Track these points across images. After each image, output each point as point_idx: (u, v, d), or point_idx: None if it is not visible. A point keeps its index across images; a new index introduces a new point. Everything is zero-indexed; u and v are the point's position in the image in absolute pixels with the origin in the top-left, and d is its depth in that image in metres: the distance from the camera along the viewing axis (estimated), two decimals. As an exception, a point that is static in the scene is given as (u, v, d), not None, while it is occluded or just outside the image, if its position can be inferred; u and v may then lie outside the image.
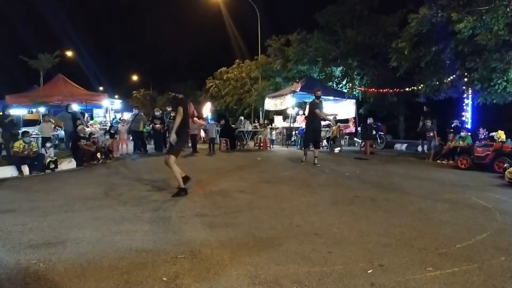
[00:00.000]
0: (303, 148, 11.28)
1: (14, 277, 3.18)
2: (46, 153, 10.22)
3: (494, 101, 13.19)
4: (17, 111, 16.94)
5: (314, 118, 10.43)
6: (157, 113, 15.65)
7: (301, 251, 3.70)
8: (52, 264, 3.45)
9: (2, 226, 4.65)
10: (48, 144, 10.77)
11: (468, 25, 11.81)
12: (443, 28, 13.27)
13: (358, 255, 3.59)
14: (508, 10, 10.90)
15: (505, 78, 12.07)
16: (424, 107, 14.72)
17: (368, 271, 3.21)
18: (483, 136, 11.27)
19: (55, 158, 10.27)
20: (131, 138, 15.09)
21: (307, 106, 10.91)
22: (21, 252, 3.77)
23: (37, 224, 4.76)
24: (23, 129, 13.03)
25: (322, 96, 17.69)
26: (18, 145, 9.59)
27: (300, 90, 16.60)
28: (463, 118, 13.96)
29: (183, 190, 6.52)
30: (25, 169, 9.49)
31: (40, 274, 3.23)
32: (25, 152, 9.57)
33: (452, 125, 13.08)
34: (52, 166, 9.96)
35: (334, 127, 15.61)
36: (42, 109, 16.20)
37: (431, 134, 12.56)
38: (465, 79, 13.65)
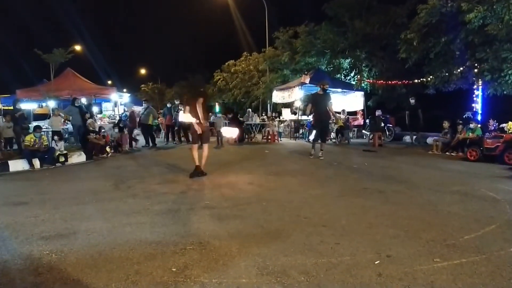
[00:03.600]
0: (311, 141, 11.13)
1: (27, 267, 3.25)
2: (57, 146, 10.34)
3: (505, 92, 13.00)
4: (27, 105, 17.14)
5: (322, 111, 10.28)
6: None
7: (309, 243, 3.73)
8: (64, 255, 3.51)
9: (15, 218, 4.74)
10: (56, 138, 10.88)
11: (478, 15, 11.63)
12: (453, 18, 13.08)
13: (366, 247, 3.60)
14: (519, -1, 10.72)
15: (516, 69, 11.90)
16: (411, 100, 14.66)
17: (376, 262, 3.23)
18: (493, 128, 11.15)
19: (65, 151, 10.39)
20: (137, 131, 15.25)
21: (311, 98, 10.69)
22: (33, 243, 3.84)
23: (49, 216, 4.84)
24: (34, 123, 13.21)
25: (330, 89, 17.76)
26: (29, 139, 9.71)
27: (308, 82, 16.53)
28: (474, 110, 13.81)
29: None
30: (36, 163, 9.61)
31: (52, 264, 3.30)
32: (36, 146, 9.69)
33: (464, 117, 12.98)
34: (62, 159, 10.09)
35: (339, 120, 15.57)
36: (51, 103, 16.37)
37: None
38: (475, 70, 13.47)
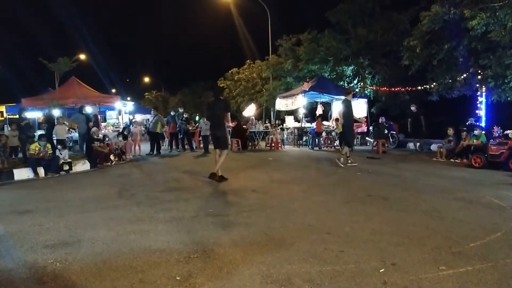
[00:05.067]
0: (345, 148, 10.67)
1: (32, 276, 3.26)
2: (61, 155, 10.38)
3: (509, 99, 12.97)
4: (33, 114, 17.23)
5: (350, 118, 10.41)
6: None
7: (313, 250, 3.72)
8: (69, 263, 3.52)
9: (20, 227, 4.75)
10: (59, 146, 10.92)
11: (481, 21, 11.64)
12: (456, 25, 13.11)
13: (370, 254, 3.59)
14: (522, 6, 10.73)
15: (519, 75, 11.88)
16: (412, 107, 14.58)
17: (381, 270, 3.21)
18: (497, 134, 11.11)
19: (69, 160, 10.43)
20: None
21: (343, 105, 10.55)
22: (38, 251, 3.85)
23: (53, 225, 4.85)
24: (39, 131, 13.28)
25: (333, 96, 17.86)
26: (34, 147, 9.75)
27: (311, 90, 16.55)
28: (478, 116, 13.77)
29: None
30: (41, 171, 9.64)
31: (57, 273, 3.30)
32: (41, 154, 9.73)
33: (467, 123, 12.95)
34: (66, 167, 10.12)
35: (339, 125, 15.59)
36: (56, 112, 16.47)
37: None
38: (479, 77, 13.47)
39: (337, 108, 18.86)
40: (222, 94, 8.40)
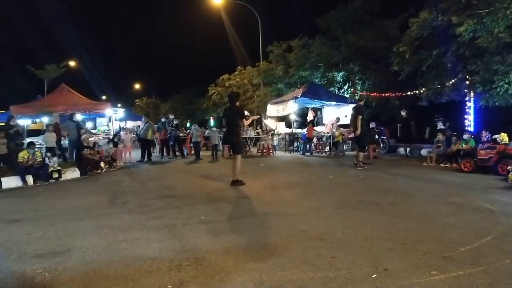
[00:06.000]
0: (361, 153, 11.33)
1: (20, 286, 3.20)
2: (50, 163, 10.26)
3: (497, 104, 13.13)
4: (22, 121, 17.04)
5: (363, 123, 11.07)
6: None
7: (305, 257, 3.71)
8: (58, 273, 3.47)
9: (8, 236, 4.68)
10: (48, 154, 10.80)
11: (468, 28, 11.80)
12: (444, 31, 13.27)
13: (362, 260, 3.59)
14: (508, 12, 10.85)
15: (506, 81, 12.01)
16: (402, 112, 14.68)
17: (373, 276, 3.21)
18: (486, 139, 11.23)
19: (58, 168, 10.32)
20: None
21: (354, 111, 11.30)
22: (27, 261, 3.79)
23: (43, 234, 4.79)
24: (28, 139, 13.12)
25: (324, 102, 17.95)
26: (23, 155, 9.64)
27: (302, 96, 16.62)
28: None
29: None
30: (30, 179, 9.53)
31: (46, 283, 3.26)
32: (30, 162, 9.62)
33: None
34: (55, 175, 10.01)
35: (337, 132, 15.66)
36: (45, 119, 16.31)
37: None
38: (467, 82, 13.62)
39: (328, 114, 19.00)
40: (237, 101, 8.66)
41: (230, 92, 10.58)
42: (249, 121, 10.30)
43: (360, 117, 10.96)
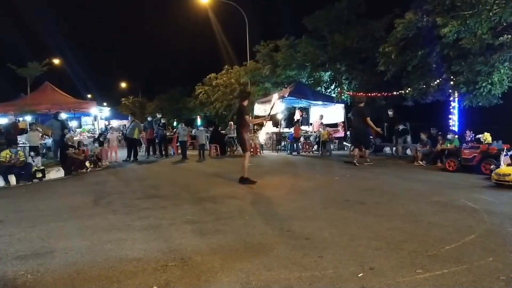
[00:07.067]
0: (356, 150, 11.93)
1: (1, 289, 3.13)
2: (33, 162, 10.08)
3: (480, 104, 13.36)
4: (4, 120, 16.72)
5: (365, 122, 11.69)
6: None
7: (292, 256, 3.71)
8: (41, 275, 3.40)
9: (-11, 237, 4.58)
10: (32, 153, 10.61)
11: (453, 29, 11.97)
12: (429, 32, 13.43)
13: (349, 259, 3.60)
14: (491, 14, 11.05)
15: (489, 81, 12.23)
16: (389, 112, 14.82)
17: (359, 275, 3.23)
18: (470, 139, 11.39)
19: (42, 167, 10.14)
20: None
21: (360, 113, 11.88)
22: (8, 263, 3.71)
23: (25, 235, 4.69)
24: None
25: (311, 102, 18.00)
26: (5, 154, 9.45)
27: (289, 96, 16.62)
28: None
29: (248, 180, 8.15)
30: (12, 179, 9.35)
31: (28, 285, 3.19)
32: (12, 162, 9.43)
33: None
34: (39, 175, 9.83)
35: (324, 132, 15.71)
36: (28, 118, 16.03)
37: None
38: (451, 82, 13.80)
39: (315, 113, 19.05)
40: (244, 99, 8.84)
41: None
42: (256, 121, 11.51)
43: (368, 118, 11.61)
